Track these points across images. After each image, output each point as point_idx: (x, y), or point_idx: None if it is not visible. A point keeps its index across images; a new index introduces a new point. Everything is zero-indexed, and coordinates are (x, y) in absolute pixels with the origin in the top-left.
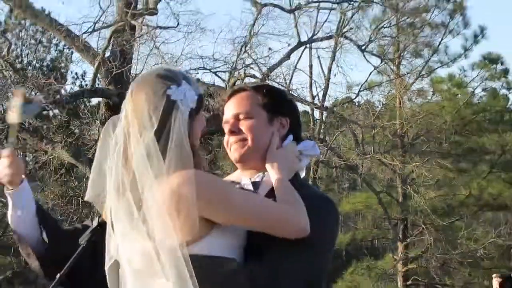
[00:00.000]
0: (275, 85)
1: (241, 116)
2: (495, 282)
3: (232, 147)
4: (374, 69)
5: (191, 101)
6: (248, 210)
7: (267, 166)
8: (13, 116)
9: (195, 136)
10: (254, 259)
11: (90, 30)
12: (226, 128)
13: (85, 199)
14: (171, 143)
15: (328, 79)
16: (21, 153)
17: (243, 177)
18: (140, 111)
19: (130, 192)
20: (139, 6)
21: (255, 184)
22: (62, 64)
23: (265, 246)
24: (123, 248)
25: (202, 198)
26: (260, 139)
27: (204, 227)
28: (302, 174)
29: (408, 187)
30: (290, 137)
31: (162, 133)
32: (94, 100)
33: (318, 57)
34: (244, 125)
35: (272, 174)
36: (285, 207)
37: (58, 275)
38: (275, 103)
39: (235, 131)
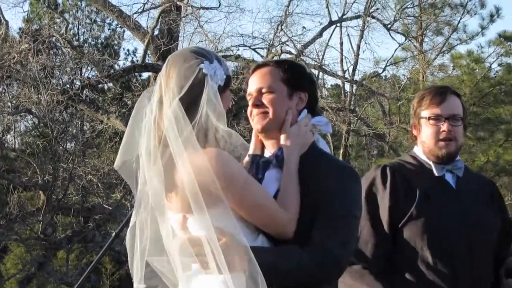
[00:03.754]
0: (309, 61)
1: (263, 90)
2: None
3: (254, 119)
4: (399, 46)
5: (220, 79)
6: (249, 202)
7: (282, 144)
8: None
9: None
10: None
11: (140, 10)
12: (249, 100)
13: (114, 166)
14: (201, 111)
15: (357, 55)
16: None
17: (266, 151)
18: (173, 81)
19: (161, 159)
20: None
21: (277, 157)
22: (115, 42)
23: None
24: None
25: (221, 178)
26: (280, 112)
27: (215, 200)
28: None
29: None
30: (304, 112)
31: (191, 101)
32: (145, 74)
33: (348, 35)
34: (266, 99)
35: (285, 154)
36: (279, 212)
37: (113, 234)
38: (295, 78)
39: (258, 104)
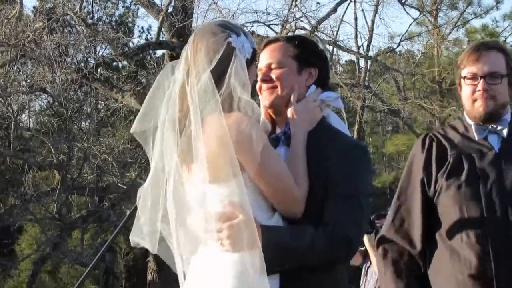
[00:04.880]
0: (323, 36)
1: (273, 66)
2: None
3: (263, 94)
4: (414, 20)
5: (248, 52)
6: (268, 171)
7: (289, 120)
8: None
9: None
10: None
11: None
12: (259, 75)
13: (131, 131)
14: (228, 83)
15: (371, 31)
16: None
17: (277, 128)
18: (202, 54)
19: (184, 130)
20: None
21: (285, 134)
22: (129, 19)
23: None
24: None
25: (242, 143)
26: (288, 88)
27: (235, 169)
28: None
29: None
30: (313, 87)
31: (219, 74)
32: (159, 52)
33: (362, 10)
34: (274, 74)
35: (292, 131)
36: (295, 188)
37: (128, 212)
38: (305, 53)
39: (267, 79)
